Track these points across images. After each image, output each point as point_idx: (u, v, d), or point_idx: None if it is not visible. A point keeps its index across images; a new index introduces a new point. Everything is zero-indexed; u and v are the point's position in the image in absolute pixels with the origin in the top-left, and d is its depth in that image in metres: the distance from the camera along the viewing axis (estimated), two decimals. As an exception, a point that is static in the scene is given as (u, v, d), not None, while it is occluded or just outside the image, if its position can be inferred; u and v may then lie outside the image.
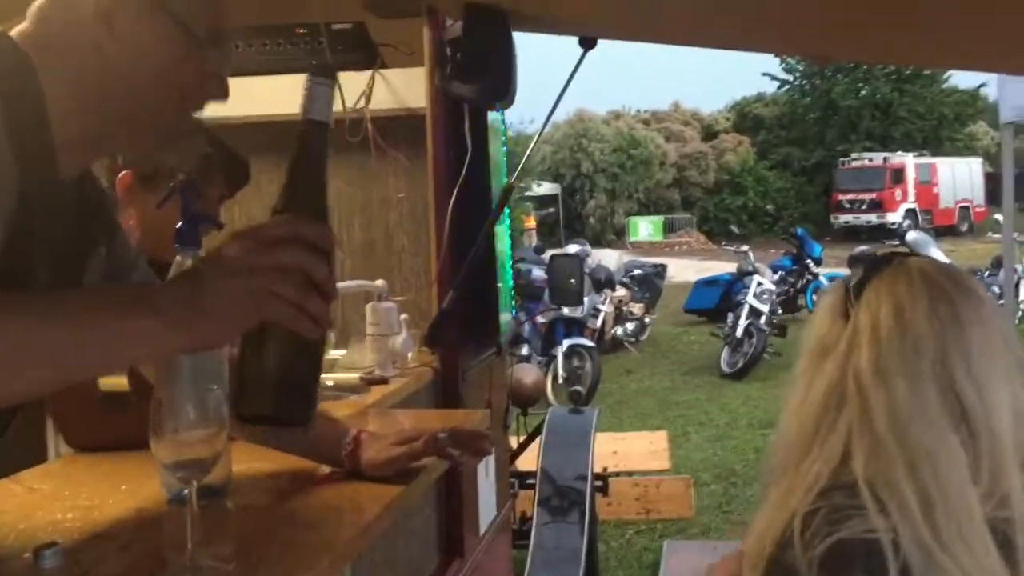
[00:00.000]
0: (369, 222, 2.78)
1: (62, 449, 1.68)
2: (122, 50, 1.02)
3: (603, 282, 10.68)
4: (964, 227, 27.58)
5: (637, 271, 12.29)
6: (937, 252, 11.42)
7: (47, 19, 1.04)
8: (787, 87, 31.88)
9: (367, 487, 1.38)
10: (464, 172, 2.47)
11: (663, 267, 12.86)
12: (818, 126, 30.68)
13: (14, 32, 1.04)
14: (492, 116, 2.79)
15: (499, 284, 2.82)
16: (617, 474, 5.16)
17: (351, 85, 2.61)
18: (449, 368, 2.47)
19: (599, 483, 4.39)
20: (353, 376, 2.21)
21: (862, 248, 10.07)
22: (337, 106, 2.59)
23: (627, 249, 23.47)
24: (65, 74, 1.02)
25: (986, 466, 1.00)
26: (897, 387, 1.01)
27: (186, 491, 1.19)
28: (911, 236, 11.49)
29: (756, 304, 9.65)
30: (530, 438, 4.41)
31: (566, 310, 8.75)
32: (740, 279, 10.64)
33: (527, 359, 8.53)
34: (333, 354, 2.31)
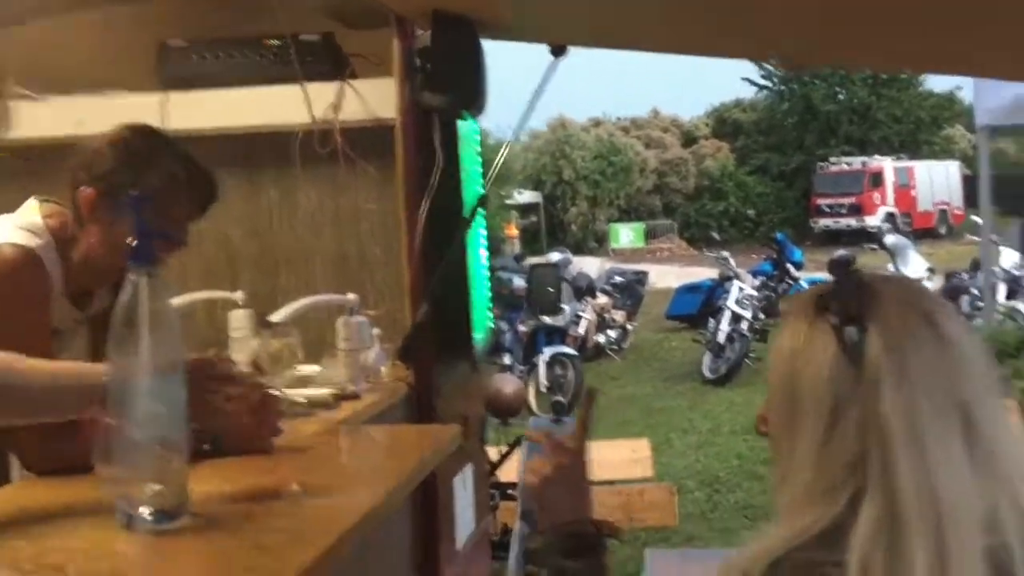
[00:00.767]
0: (340, 234, 2.74)
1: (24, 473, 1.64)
2: None
3: (584, 290, 10.67)
4: (943, 229, 27.76)
5: (618, 278, 12.29)
6: (916, 255, 11.48)
7: None
8: (765, 92, 32.06)
9: (331, 505, 1.35)
10: (435, 182, 2.45)
11: (644, 274, 12.86)
12: (797, 131, 30.84)
13: None
14: (465, 125, 2.77)
15: (474, 295, 2.80)
16: (599, 482, 5.13)
17: (320, 96, 2.58)
18: (423, 382, 2.44)
19: (581, 493, 4.35)
20: (325, 392, 2.17)
21: (841, 252, 10.10)
22: (306, 117, 2.58)
23: (609, 256, 23.50)
24: None
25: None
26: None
27: (138, 515, 1.16)
28: (890, 239, 11.56)
29: (737, 310, 9.65)
30: (511, 449, 4.38)
31: (547, 319, 8.73)
32: (721, 285, 10.64)
33: (509, 368, 8.51)
34: (304, 370, 2.28)
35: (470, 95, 2.37)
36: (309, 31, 2.64)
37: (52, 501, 1.38)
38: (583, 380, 8.78)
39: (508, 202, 24.77)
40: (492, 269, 9.45)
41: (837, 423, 0.92)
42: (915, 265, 10.43)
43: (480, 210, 2.86)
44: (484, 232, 2.94)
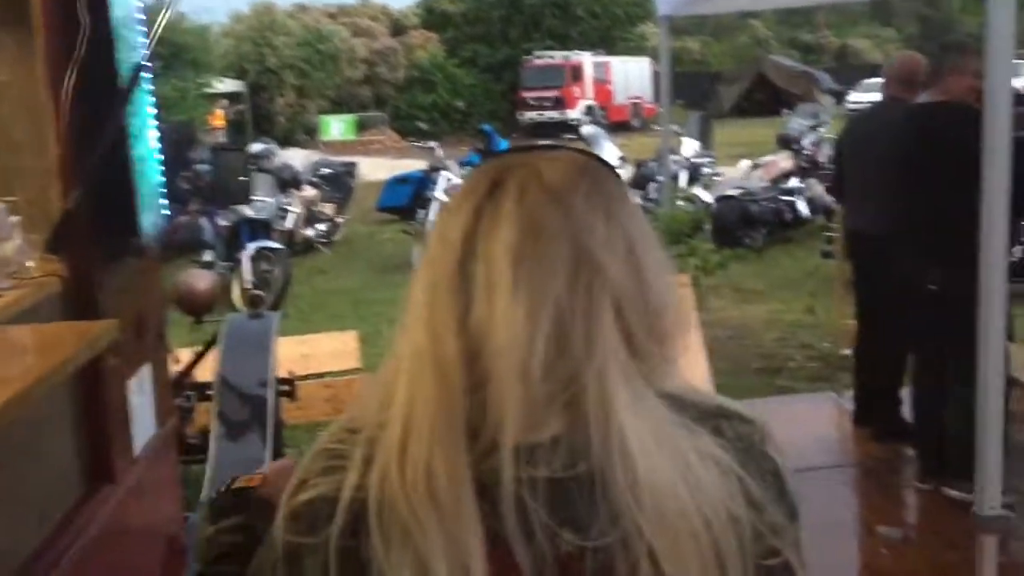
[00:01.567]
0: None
1: None
2: None
3: (289, 181, 10.29)
4: (636, 122, 29.64)
5: (326, 170, 11.99)
6: (610, 145, 12.16)
7: None
8: (473, -16, 32.17)
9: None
10: (82, 52, 2.16)
11: (353, 165, 12.64)
12: (502, 24, 31.32)
13: None
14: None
15: (141, 179, 2.54)
16: (305, 377, 5.03)
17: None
18: (80, 276, 2.19)
19: (285, 388, 4.23)
20: (-47, 291, 1.90)
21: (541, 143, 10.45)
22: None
23: (320, 148, 22.90)
24: None
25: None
26: None
27: None
28: (586, 130, 12.14)
29: (446, 199, 9.75)
30: (206, 348, 4.15)
31: (249, 211, 8.35)
32: (430, 176, 10.67)
33: (210, 265, 8.06)
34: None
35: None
36: None
37: None
38: (291, 275, 8.54)
39: (207, 91, 23.27)
40: (190, 160, 8.82)
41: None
42: (608, 154, 11.03)
43: (144, 86, 2.59)
44: (153, 111, 2.66)
